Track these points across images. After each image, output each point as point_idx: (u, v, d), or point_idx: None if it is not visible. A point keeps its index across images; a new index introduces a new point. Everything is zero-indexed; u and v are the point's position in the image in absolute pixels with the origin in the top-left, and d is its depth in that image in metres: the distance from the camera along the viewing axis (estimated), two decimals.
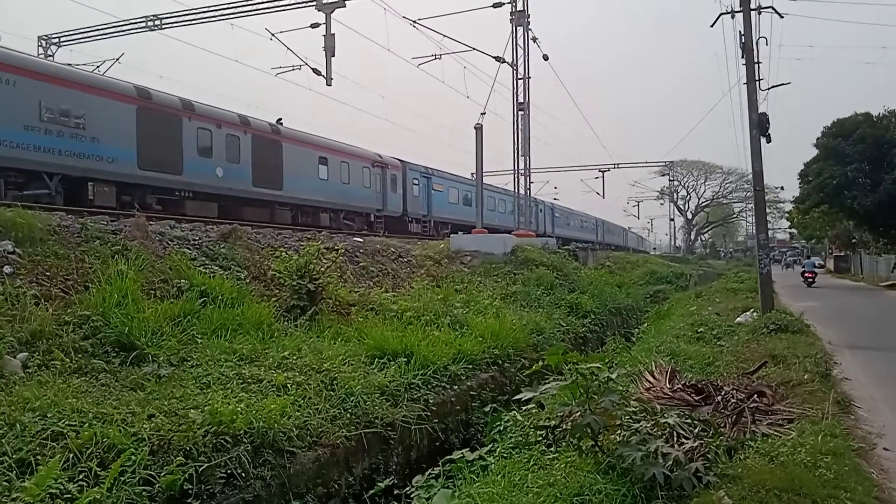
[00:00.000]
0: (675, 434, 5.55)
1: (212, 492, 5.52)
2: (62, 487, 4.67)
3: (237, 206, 21.36)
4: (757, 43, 16.84)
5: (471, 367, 10.60)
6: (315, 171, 24.89)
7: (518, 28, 27.66)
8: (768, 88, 18.78)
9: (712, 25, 17.84)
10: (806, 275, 33.47)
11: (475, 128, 25.47)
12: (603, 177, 64.60)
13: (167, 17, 29.14)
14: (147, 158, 17.87)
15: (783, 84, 20.15)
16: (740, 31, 16.85)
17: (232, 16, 27.60)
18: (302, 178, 23.85)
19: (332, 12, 23.56)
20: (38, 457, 4.97)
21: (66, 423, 5.44)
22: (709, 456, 5.29)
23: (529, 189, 29.51)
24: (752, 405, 6.79)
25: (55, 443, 5.19)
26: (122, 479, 4.97)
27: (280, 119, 24.71)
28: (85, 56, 32.41)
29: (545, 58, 30.25)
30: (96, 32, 31.34)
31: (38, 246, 8.83)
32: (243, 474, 5.84)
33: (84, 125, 16.39)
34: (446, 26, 71.84)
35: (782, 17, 17.78)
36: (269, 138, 22.77)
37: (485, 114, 26.42)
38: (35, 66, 16.10)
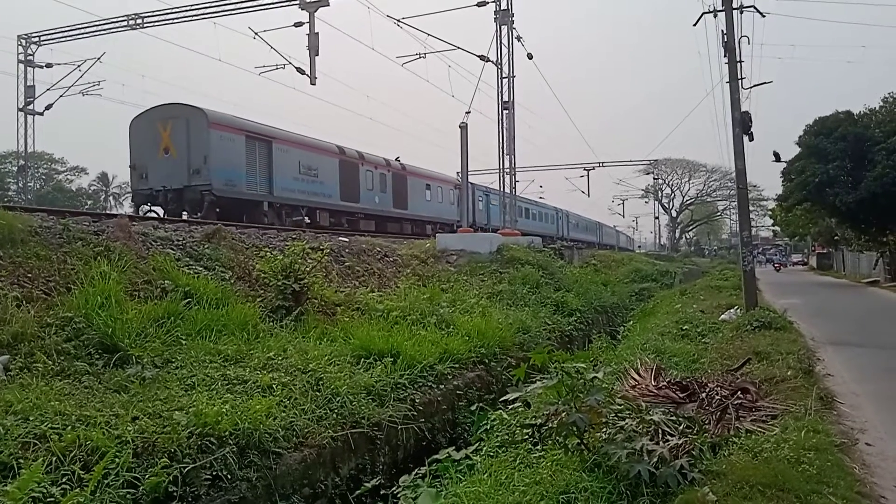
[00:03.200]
0: (660, 431, 5.58)
1: (197, 493, 5.48)
2: (45, 491, 4.63)
3: (385, 222, 29.45)
4: (739, 42, 16.94)
5: (457, 366, 10.60)
6: (424, 195, 33.48)
7: (502, 27, 27.72)
8: (751, 87, 18.86)
9: (695, 24, 17.92)
10: (775, 265, 58.57)
11: (460, 127, 25.49)
12: (588, 175, 64.96)
13: (149, 16, 28.96)
14: (344, 193, 26.64)
15: (765, 83, 20.27)
16: (723, 30, 16.95)
17: (214, 14, 27.50)
18: (418, 200, 32.37)
19: (315, 11, 23.52)
20: (21, 460, 4.92)
21: (49, 425, 5.39)
22: (693, 453, 5.32)
23: (515, 188, 29.60)
24: (736, 402, 6.85)
25: (38, 445, 5.14)
26: (106, 481, 4.93)
27: (398, 157, 32.43)
28: (66, 55, 32.10)
29: (530, 56, 30.35)
30: (76, 31, 31.10)
31: (19, 247, 8.72)
32: (229, 476, 5.81)
33: (317, 174, 25.04)
34: (431, 25, 71.77)
35: (764, 16, 17.88)
36: (400, 174, 31.30)
37: (469, 113, 26.57)
38: (295, 139, 24.61)
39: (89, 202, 67.86)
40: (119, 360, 7.26)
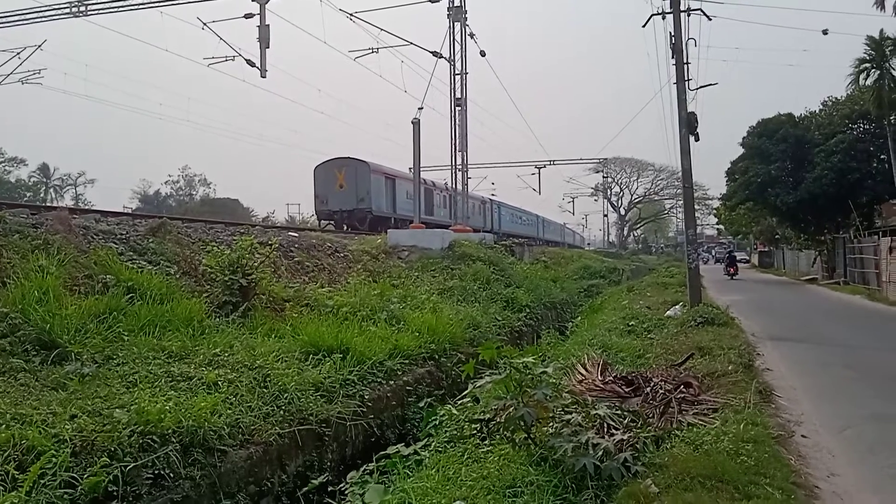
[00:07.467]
0: (605, 425, 5.68)
1: (138, 493, 5.35)
2: None
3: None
4: (686, 44, 17.35)
5: (407, 362, 10.56)
6: (466, 209, 39.31)
7: (455, 24, 27.75)
8: (697, 88, 19.29)
9: (644, 26, 18.31)
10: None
11: (412, 122, 25.42)
12: (539, 173, 65.31)
13: (93, 4, 28.06)
14: (426, 210, 33.30)
15: (711, 84, 20.75)
16: (670, 32, 17.32)
17: (161, 3, 26.80)
18: (468, 214, 37.87)
19: (266, 2, 23.11)
20: None
21: None
22: (637, 446, 5.43)
23: (467, 185, 29.74)
24: (679, 396, 7.00)
25: None
26: (42, 482, 4.78)
27: (445, 181, 39.03)
28: (4, 42, 31.02)
29: (482, 54, 30.49)
30: (16, 17, 29.95)
31: None
32: (171, 474, 5.69)
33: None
34: (384, 20, 71.28)
35: (710, 19, 18.35)
36: (453, 195, 37.38)
37: (422, 108, 26.53)
38: (404, 175, 33.75)
39: (28, 194, 65.76)
40: (57, 356, 7.04)
